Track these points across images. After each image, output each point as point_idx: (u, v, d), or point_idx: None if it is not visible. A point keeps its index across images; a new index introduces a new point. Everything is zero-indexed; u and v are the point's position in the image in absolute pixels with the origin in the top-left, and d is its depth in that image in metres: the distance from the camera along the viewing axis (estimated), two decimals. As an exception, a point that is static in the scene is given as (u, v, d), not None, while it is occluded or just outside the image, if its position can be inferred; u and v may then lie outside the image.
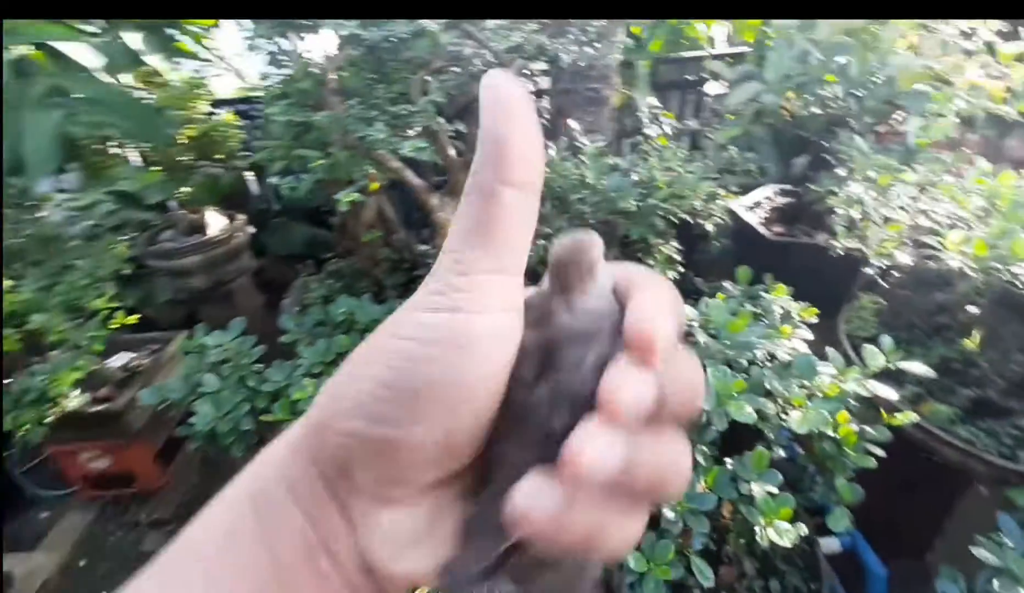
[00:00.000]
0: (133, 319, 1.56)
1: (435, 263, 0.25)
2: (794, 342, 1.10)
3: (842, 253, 1.39)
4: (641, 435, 0.24)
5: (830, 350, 0.99)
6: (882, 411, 0.98)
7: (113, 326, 1.52)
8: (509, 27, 1.12)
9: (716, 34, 2.81)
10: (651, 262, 1.47)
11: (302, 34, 1.27)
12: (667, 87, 2.83)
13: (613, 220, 1.37)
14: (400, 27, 1.06)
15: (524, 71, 1.31)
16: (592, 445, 0.22)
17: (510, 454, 0.26)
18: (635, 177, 1.37)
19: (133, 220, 2.22)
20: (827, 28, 1.27)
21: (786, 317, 1.21)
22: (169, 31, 1.44)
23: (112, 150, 1.71)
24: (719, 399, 0.86)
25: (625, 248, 1.56)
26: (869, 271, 1.41)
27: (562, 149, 1.51)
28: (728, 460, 0.91)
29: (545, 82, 2.19)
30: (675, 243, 1.50)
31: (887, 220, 1.33)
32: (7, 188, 1.55)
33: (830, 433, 0.92)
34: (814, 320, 1.20)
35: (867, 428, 0.95)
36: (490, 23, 1.13)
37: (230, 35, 1.60)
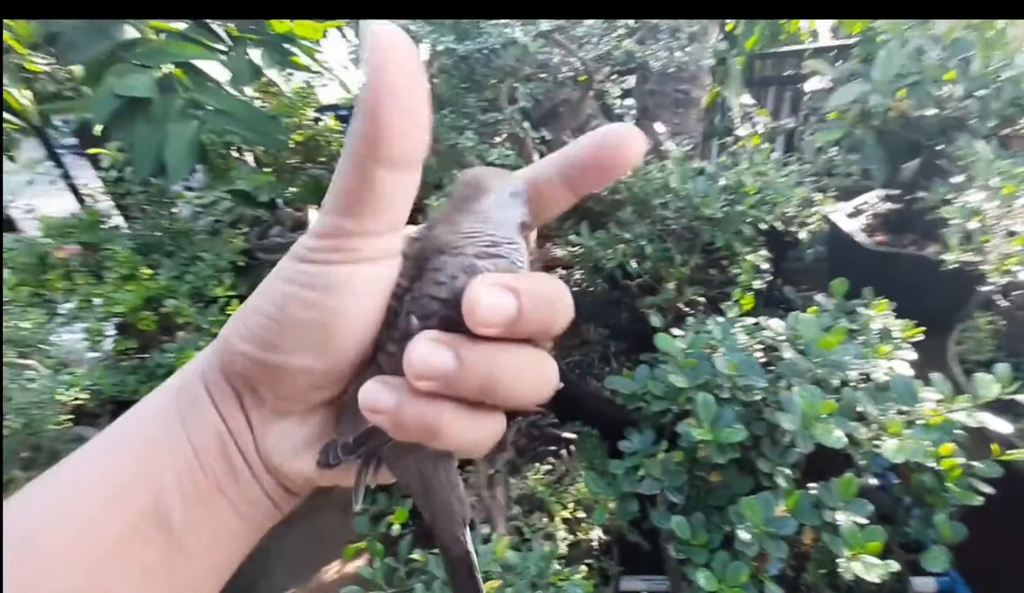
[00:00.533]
0: (244, 306, 1.74)
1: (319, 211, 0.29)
2: (894, 363, 1.03)
3: (955, 268, 1.27)
4: (483, 345, 0.27)
5: (935, 375, 0.92)
6: (994, 444, 0.89)
7: (230, 312, 1.71)
8: (600, 33, 1.13)
9: (819, 27, 2.62)
10: (736, 270, 1.42)
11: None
12: (763, 83, 2.68)
13: (697, 226, 1.34)
14: (492, 38, 1.11)
15: (612, 78, 1.31)
16: (419, 349, 0.27)
17: (379, 352, 0.31)
18: (723, 182, 1.33)
19: (248, 216, 2.47)
20: (946, 22, 1.16)
21: (886, 335, 1.13)
22: (286, 45, 1.59)
23: (232, 153, 1.91)
24: (805, 420, 0.83)
25: (709, 255, 1.52)
26: (986, 289, 1.28)
27: (647, 152, 1.49)
28: (812, 484, 0.88)
29: (631, 80, 2.16)
30: (764, 251, 1.44)
31: (1011, 233, 1.20)
32: (149, 188, 1.79)
33: (931, 465, 0.86)
34: (919, 340, 1.11)
35: (975, 463, 0.87)
36: (579, 30, 1.15)
37: (336, 47, 1.73)
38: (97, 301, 1.45)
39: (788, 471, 0.88)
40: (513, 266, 0.31)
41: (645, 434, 1.03)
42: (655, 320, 1.30)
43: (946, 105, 1.34)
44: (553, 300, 0.28)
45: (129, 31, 1.34)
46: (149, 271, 1.57)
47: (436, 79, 1.50)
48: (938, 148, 1.45)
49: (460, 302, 0.27)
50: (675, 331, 1.17)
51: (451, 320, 0.27)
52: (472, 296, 0.26)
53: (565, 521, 1.22)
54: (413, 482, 0.33)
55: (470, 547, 0.34)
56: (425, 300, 0.29)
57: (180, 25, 1.41)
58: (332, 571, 1.64)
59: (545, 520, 1.17)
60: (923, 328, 1.12)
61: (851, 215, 1.73)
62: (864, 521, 0.82)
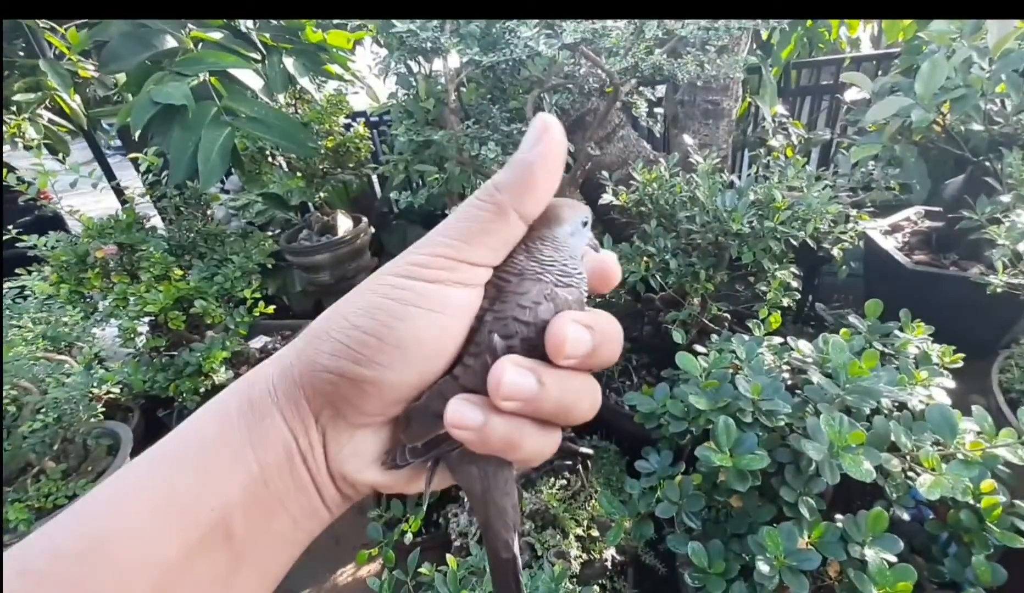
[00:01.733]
0: (271, 309, 1.78)
1: (427, 236, 0.32)
2: (931, 390, 0.98)
3: (1001, 291, 1.20)
4: (558, 372, 0.31)
5: (977, 408, 0.87)
6: (1041, 484, 0.84)
7: (257, 313, 1.74)
8: (627, 46, 1.11)
9: (859, 34, 2.54)
10: (764, 287, 1.38)
11: (429, 57, 1.37)
12: (798, 93, 2.61)
13: (724, 242, 1.30)
14: (517, 50, 1.10)
15: (639, 90, 1.29)
16: (509, 374, 0.29)
17: (456, 366, 0.32)
18: (752, 196, 1.29)
19: (278, 219, 2.53)
20: (996, 33, 1.10)
21: (923, 360, 1.07)
22: (319, 54, 1.62)
23: (267, 158, 1.96)
24: (832, 450, 0.79)
25: (736, 270, 1.48)
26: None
27: (673, 164, 1.46)
28: (839, 516, 0.83)
29: (660, 89, 2.13)
30: (794, 268, 1.39)
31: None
32: (184, 190, 1.84)
33: (970, 502, 0.81)
34: (958, 366, 1.05)
35: (1018, 502, 0.82)
36: (606, 42, 1.13)
37: (367, 56, 1.76)
38: (132, 300, 1.50)
39: (813, 501, 0.84)
40: (582, 296, 0.35)
41: (663, 455, 1.00)
42: (677, 336, 1.27)
43: (996, 120, 1.27)
44: (615, 338, 0.33)
45: (169, 41, 1.38)
46: (180, 271, 1.61)
47: (464, 87, 1.51)
48: (986, 165, 1.38)
49: (542, 328, 0.31)
50: (698, 348, 1.13)
51: (531, 342, 0.31)
52: (559, 331, 0.31)
53: (579, 538, 1.20)
54: (475, 487, 0.36)
55: (517, 552, 0.36)
56: (509, 321, 0.32)
57: (217, 35, 1.45)
58: (347, 574, 1.65)
59: (559, 537, 1.15)
60: (963, 354, 1.06)
61: (888, 232, 1.66)
62: (894, 559, 0.78)
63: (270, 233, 2.06)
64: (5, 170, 1.55)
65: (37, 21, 1.92)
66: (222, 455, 0.31)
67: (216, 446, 0.31)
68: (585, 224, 0.37)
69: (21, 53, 2.24)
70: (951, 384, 0.99)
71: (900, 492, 0.87)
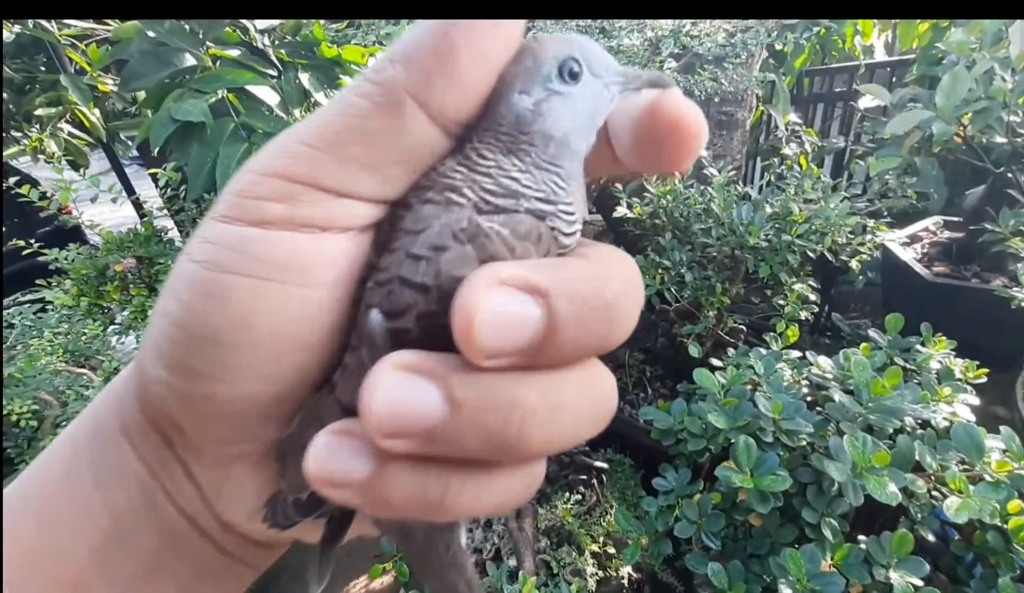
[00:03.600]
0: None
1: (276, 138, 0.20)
2: (955, 407, 0.96)
3: (1026, 305, 1.18)
4: (491, 377, 0.17)
5: (1005, 429, 0.85)
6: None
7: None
8: (643, 62, 1.11)
9: (873, 42, 2.52)
10: (781, 300, 1.36)
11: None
12: (811, 101, 2.60)
13: (740, 255, 1.29)
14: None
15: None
16: (385, 391, 0.17)
17: (347, 363, 0.20)
18: (769, 209, 1.28)
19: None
20: (1019, 44, 1.09)
21: (946, 376, 1.06)
22: (335, 70, 1.64)
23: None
24: (855, 470, 0.78)
25: (752, 283, 1.47)
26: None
27: (687, 176, 1.46)
28: (862, 537, 0.82)
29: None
30: (812, 281, 1.37)
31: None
32: (202, 204, 1.87)
33: (996, 523, 0.79)
34: (982, 381, 1.04)
35: (1049, 525, 0.80)
36: (622, 58, 1.13)
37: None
38: (150, 312, 1.52)
39: (836, 522, 0.83)
40: (548, 233, 0.20)
41: (681, 472, 0.99)
42: (693, 350, 1.26)
43: (1019, 131, 1.25)
44: (608, 301, 0.18)
45: (188, 59, 1.41)
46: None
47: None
48: (1008, 176, 1.36)
49: (452, 292, 0.17)
50: (714, 362, 1.12)
51: (436, 322, 0.18)
52: (466, 305, 0.17)
53: (595, 555, 1.19)
54: (405, 550, 0.25)
55: None
56: (395, 285, 0.18)
57: (234, 52, 1.47)
58: (359, 586, 1.65)
59: (574, 554, 1.14)
60: (986, 369, 1.04)
61: (907, 243, 1.63)
62: (919, 582, 0.76)
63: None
64: (27, 186, 1.58)
65: (59, 38, 1.96)
66: (63, 506, 0.22)
67: (56, 495, 0.22)
68: (573, 72, 0.20)
69: (43, 68, 2.29)
70: (975, 401, 0.98)
71: (924, 512, 0.86)
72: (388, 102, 0.18)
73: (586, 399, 0.19)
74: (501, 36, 0.18)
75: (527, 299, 0.17)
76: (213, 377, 0.19)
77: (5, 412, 1.18)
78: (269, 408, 0.20)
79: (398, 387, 0.17)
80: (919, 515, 0.85)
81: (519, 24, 0.19)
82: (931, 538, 0.87)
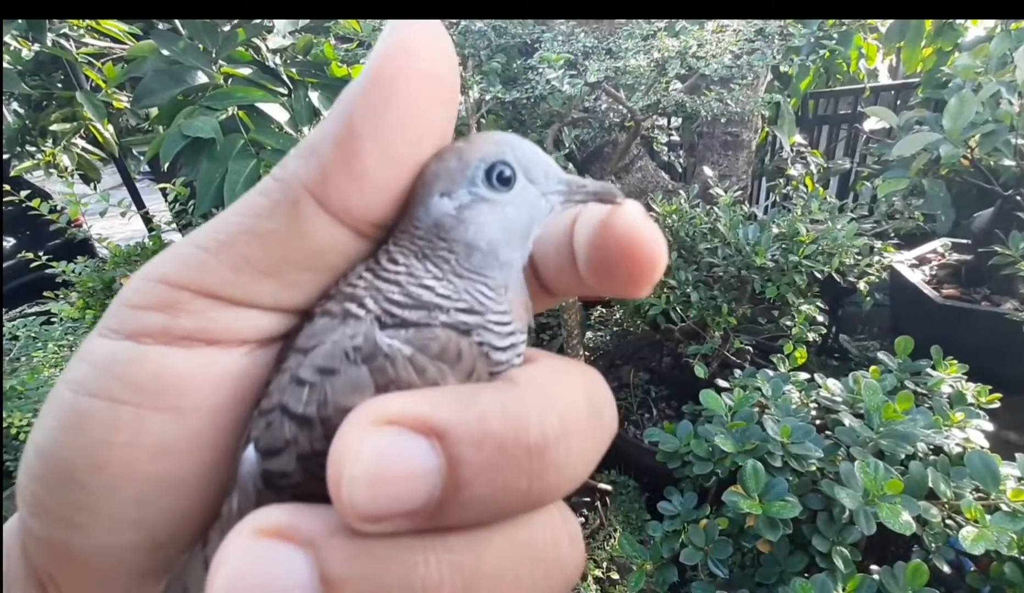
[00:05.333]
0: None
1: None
2: (968, 432, 0.94)
3: (1039, 329, 1.16)
4: (383, 544, 0.14)
5: (1020, 456, 0.83)
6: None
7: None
8: (649, 83, 1.12)
9: (877, 65, 2.54)
10: (788, 321, 1.35)
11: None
12: (816, 122, 2.61)
13: (746, 275, 1.29)
14: (539, 87, 1.12)
15: (659, 126, 1.30)
16: (236, 562, 0.13)
17: (222, 512, 0.17)
18: (775, 229, 1.28)
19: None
20: (1026, 68, 1.09)
21: (958, 400, 1.04)
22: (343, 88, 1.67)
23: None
24: (867, 498, 0.76)
25: (758, 303, 1.45)
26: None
27: (693, 196, 1.46)
28: (875, 568, 0.80)
29: (676, 119, 2.15)
30: (819, 302, 1.36)
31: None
32: (212, 215, 1.88)
33: (1014, 555, 0.77)
34: (994, 406, 1.02)
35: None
36: (628, 79, 1.15)
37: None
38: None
39: (847, 551, 0.81)
40: (472, 350, 0.17)
41: (687, 496, 0.97)
42: (699, 370, 1.24)
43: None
44: (531, 445, 0.14)
45: (200, 77, 1.43)
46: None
47: (483, 120, 1.53)
48: (1019, 198, 1.35)
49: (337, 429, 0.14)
50: (720, 383, 1.11)
51: (321, 464, 0.14)
52: (338, 451, 0.13)
53: (597, 581, 1.16)
54: None
55: None
56: (275, 416, 0.16)
57: (245, 70, 1.50)
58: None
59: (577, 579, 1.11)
60: (999, 394, 1.02)
61: (915, 265, 1.62)
62: (936, 616, 0.74)
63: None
64: (38, 199, 1.60)
65: (77, 56, 2.01)
66: None
67: None
68: (504, 177, 0.18)
69: (59, 85, 2.33)
70: (989, 426, 0.96)
71: (939, 542, 0.83)
72: (284, 200, 0.16)
73: (524, 565, 0.15)
74: (413, 128, 0.16)
75: (420, 443, 0.14)
76: (69, 522, 0.16)
77: (5, 425, 1.17)
78: (142, 560, 0.17)
79: (253, 562, 0.13)
80: (933, 545, 0.82)
81: (438, 114, 0.16)
82: (946, 569, 0.85)
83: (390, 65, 0.15)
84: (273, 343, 0.17)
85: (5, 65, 1.92)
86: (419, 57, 0.15)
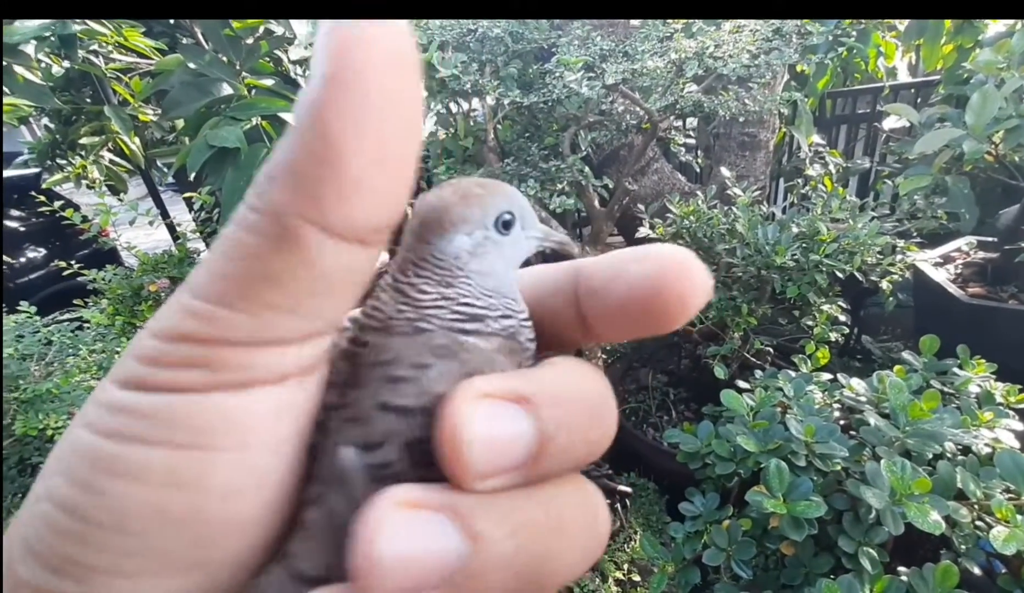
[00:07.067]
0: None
1: (160, 311, 0.16)
2: (997, 432, 0.92)
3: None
4: (501, 499, 0.16)
5: (1051, 455, 0.81)
6: None
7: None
8: (666, 85, 1.13)
9: (896, 63, 2.51)
10: (809, 321, 1.34)
11: (468, 98, 1.41)
12: (834, 122, 2.58)
13: (766, 275, 1.28)
14: (556, 90, 1.13)
15: (676, 127, 1.30)
16: (399, 536, 0.14)
17: (292, 537, 0.17)
18: (795, 229, 1.27)
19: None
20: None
21: (986, 400, 1.02)
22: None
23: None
24: (894, 497, 0.75)
25: (779, 304, 1.44)
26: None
27: (711, 197, 1.46)
28: (903, 569, 0.79)
29: (692, 120, 2.14)
30: (841, 302, 1.35)
31: None
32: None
33: (1048, 556, 0.75)
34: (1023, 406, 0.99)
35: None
36: (645, 81, 1.15)
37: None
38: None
39: (874, 552, 0.80)
40: (518, 345, 0.20)
41: (709, 497, 0.97)
42: (719, 372, 1.24)
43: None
44: (591, 401, 0.18)
45: (225, 89, 1.47)
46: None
47: (500, 125, 1.55)
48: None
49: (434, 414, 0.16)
50: (741, 384, 1.10)
51: (423, 449, 0.16)
52: (451, 423, 0.15)
53: (618, 583, 1.16)
54: None
55: None
56: (373, 415, 0.17)
57: (269, 81, 1.53)
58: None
59: (598, 581, 1.11)
60: (1029, 393, 1.00)
61: (939, 263, 1.59)
62: (967, 619, 0.72)
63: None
64: (70, 210, 1.65)
65: (105, 71, 2.07)
66: None
67: None
68: (508, 222, 0.22)
69: (88, 100, 2.41)
70: (1019, 426, 0.94)
71: (969, 543, 0.82)
72: (283, 235, 0.15)
73: (589, 518, 0.18)
74: (393, 118, 0.15)
75: (515, 409, 0.16)
76: (116, 572, 0.15)
77: (41, 426, 1.21)
78: None
79: (407, 529, 0.14)
80: (963, 546, 0.81)
81: (411, 93, 0.15)
82: (976, 571, 0.83)
83: (352, 62, 0.14)
84: (314, 370, 0.17)
85: (37, 82, 1.99)
86: (379, 44, 0.14)
